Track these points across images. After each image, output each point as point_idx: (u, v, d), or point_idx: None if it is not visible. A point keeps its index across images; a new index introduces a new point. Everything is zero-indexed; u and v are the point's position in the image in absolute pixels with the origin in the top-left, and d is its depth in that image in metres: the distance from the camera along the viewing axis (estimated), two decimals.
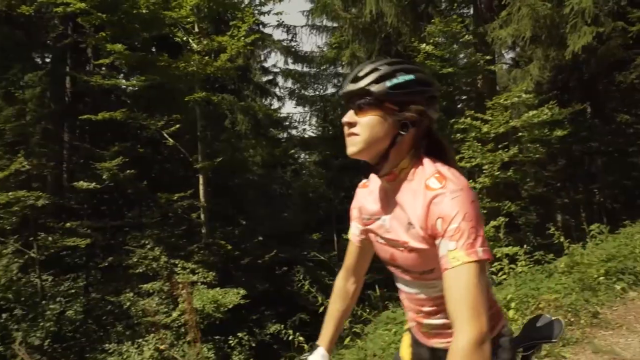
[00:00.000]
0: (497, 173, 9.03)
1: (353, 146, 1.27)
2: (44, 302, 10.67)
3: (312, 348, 1.57)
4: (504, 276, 6.15)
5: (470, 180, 9.56)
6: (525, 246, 7.39)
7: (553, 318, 1.53)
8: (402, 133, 1.26)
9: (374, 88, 1.24)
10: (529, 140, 9.80)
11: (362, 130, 1.26)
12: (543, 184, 16.73)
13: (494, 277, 6.10)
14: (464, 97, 14.81)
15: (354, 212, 1.54)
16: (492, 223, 8.83)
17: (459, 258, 1.13)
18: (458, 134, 9.66)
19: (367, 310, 5.39)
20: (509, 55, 15.03)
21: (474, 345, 1.07)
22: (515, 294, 5.20)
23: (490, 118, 9.04)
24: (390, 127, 1.26)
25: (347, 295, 1.61)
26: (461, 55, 11.34)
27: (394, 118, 1.25)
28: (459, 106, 14.52)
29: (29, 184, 13.09)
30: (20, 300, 10.26)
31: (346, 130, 1.29)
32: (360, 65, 1.32)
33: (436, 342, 1.42)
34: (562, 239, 6.57)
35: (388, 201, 1.36)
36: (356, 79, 1.28)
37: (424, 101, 1.29)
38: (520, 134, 9.73)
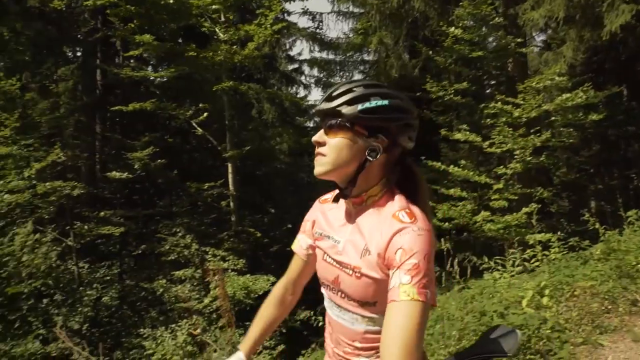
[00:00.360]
0: (529, 158, 8.84)
1: (320, 166, 1.26)
2: (81, 288, 11.04)
3: (232, 352, 1.52)
4: (537, 263, 6.04)
5: (501, 167, 9.39)
6: (559, 233, 7.25)
7: (509, 329, 1.45)
8: (370, 159, 1.23)
9: (345, 110, 1.22)
10: (562, 124, 9.54)
11: (329, 151, 1.24)
12: (576, 169, 16.31)
13: (526, 264, 6.00)
14: (492, 82, 14.52)
15: (306, 224, 1.50)
16: (524, 209, 8.69)
17: (409, 294, 1.09)
18: (488, 119, 9.47)
19: None
20: (540, 38, 14.62)
21: None
22: (549, 280, 5.12)
23: (521, 102, 8.83)
24: (358, 151, 1.23)
25: (283, 304, 1.58)
26: (490, 39, 11.08)
27: (363, 143, 1.23)
28: (487, 91, 14.24)
29: (64, 174, 13.48)
30: (60, 286, 10.62)
31: (316, 149, 1.28)
32: (337, 84, 1.29)
33: None
34: (597, 226, 6.42)
35: (347, 223, 1.32)
36: (330, 98, 1.26)
37: (396, 128, 1.25)
38: (553, 118, 9.48)
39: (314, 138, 1.28)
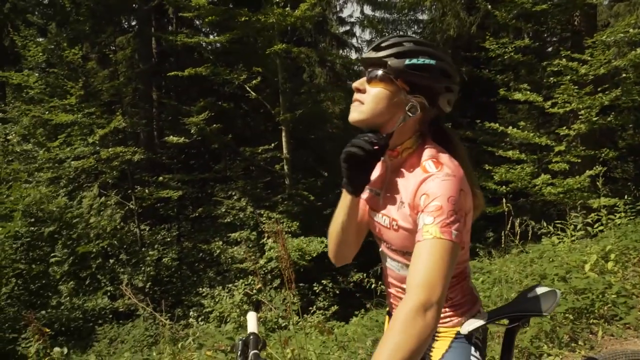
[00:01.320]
0: (595, 119, 8.36)
1: (356, 113, 1.27)
2: (143, 249, 11.63)
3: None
4: (601, 228, 5.79)
5: (564, 127, 8.95)
6: (626, 197, 6.90)
7: (549, 289, 1.41)
8: (409, 114, 1.24)
9: (392, 62, 1.22)
10: (633, 82, 8.90)
11: (368, 100, 1.25)
12: None
13: (588, 228, 5.77)
14: (555, 39, 13.69)
15: None
16: (587, 172, 8.29)
17: (432, 232, 1.12)
18: (551, 78, 8.98)
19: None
20: None
21: (416, 310, 1.03)
22: (615, 245, 4.90)
23: (589, 58, 8.28)
24: (396, 104, 1.24)
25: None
26: None
27: (403, 98, 1.24)
28: (549, 49, 13.47)
29: (125, 141, 14.05)
30: (124, 247, 11.25)
31: (354, 95, 1.28)
32: (387, 36, 1.28)
33: None
34: None
35: (386, 177, 1.35)
36: (378, 48, 1.25)
37: (437, 90, 1.26)
38: (624, 75, 8.86)
39: (355, 84, 1.29)
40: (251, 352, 1.21)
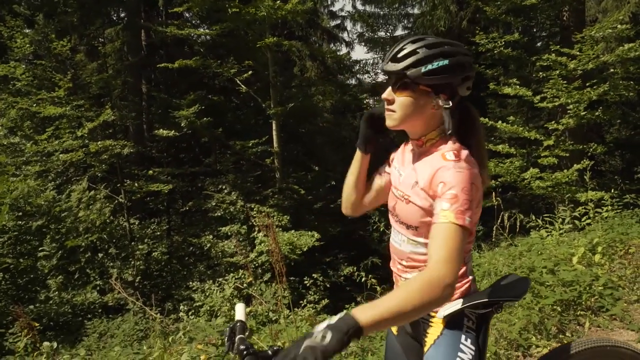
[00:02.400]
0: (583, 113, 8.43)
1: (390, 121, 1.46)
2: (133, 243, 11.55)
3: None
4: (588, 221, 5.86)
5: (553, 122, 9.02)
6: (612, 191, 6.99)
7: (520, 277, 1.53)
8: (434, 109, 1.42)
9: (410, 72, 1.37)
10: (620, 77, 8.98)
11: (397, 108, 1.43)
12: (632, 126, 15.47)
13: (576, 222, 5.84)
14: (544, 34, 13.77)
15: (390, 156, 1.73)
16: (575, 166, 8.38)
17: (448, 217, 1.27)
18: (540, 73, 9.03)
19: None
20: None
21: (437, 281, 1.18)
22: (602, 238, 4.97)
23: (578, 53, 8.34)
24: (422, 107, 1.42)
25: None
26: None
27: (427, 99, 1.41)
28: (538, 44, 13.55)
29: (114, 134, 13.94)
30: (113, 241, 11.17)
31: (385, 104, 1.47)
32: (401, 43, 1.43)
33: None
34: None
35: (410, 161, 1.56)
36: (395, 60, 1.41)
37: (456, 83, 1.41)
38: (612, 70, 8.94)
39: (384, 95, 1.46)
40: (237, 337, 1.33)
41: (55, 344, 3.32)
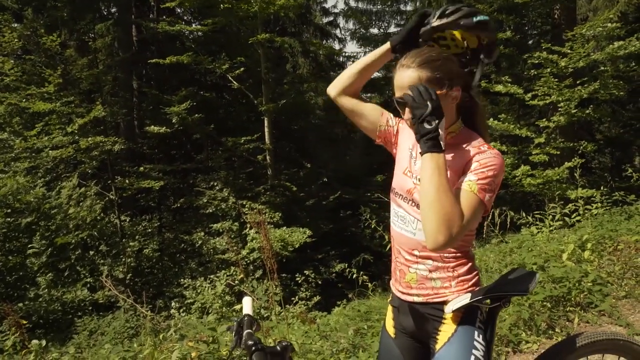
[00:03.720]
0: (574, 111, 8.48)
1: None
2: (124, 240, 11.47)
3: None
4: (578, 218, 5.91)
5: (544, 120, 9.06)
6: (602, 188, 7.04)
7: (528, 271, 1.53)
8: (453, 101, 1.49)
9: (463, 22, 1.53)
10: (610, 75, 9.05)
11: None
12: (621, 124, 15.59)
13: (566, 218, 5.88)
14: (535, 32, 13.82)
15: (394, 120, 1.71)
16: (566, 164, 8.43)
17: (472, 187, 1.38)
18: (532, 70, 9.08)
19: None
20: None
21: (452, 222, 1.30)
22: (592, 234, 5.00)
23: (569, 51, 8.39)
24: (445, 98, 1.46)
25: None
26: None
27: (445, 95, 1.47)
28: (530, 42, 13.60)
29: (105, 130, 13.81)
30: (104, 238, 11.07)
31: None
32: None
33: (415, 295, 1.55)
34: None
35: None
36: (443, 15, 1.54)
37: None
38: (602, 68, 9.00)
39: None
40: (245, 332, 1.32)
41: (44, 342, 3.29)
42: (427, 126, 1.35)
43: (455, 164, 1.47)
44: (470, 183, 1.37)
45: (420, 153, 1.37)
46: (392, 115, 1.72)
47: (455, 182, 1.43)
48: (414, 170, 1.56)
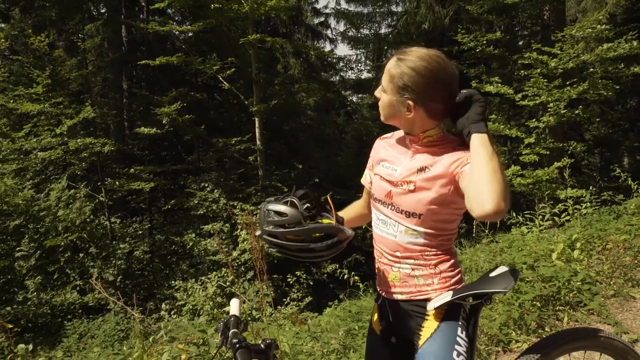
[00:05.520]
0: (564, 111, 8.54)
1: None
2: (114, 242, 11.38)
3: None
4: (567, 217, 5.95)
5: (534, 120, 9.12)
6: (591, 188, 7.09)
7: (510, 268, 1.53)
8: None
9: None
10: (599, 76, 9.13)
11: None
12: (610, 124, 15.75)
13: (556, 218, 5.92)
14: (525, 33, 13.92)
15: (370, 161, 1.76)
16: (556, 164, 8.48)
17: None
18: (522, 71, 9.13)
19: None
20: None
21: (506, 188, 1.31)
22: (581, 234, 5.03)
23: (558, 52, 8.45)
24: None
25: (364, 211, 1.88)
26: None
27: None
28: (520, 43, 13.69)
29: (94, 132, 13.72)
30: (94, 240, 10.98)
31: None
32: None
33: (398, 293, 1.59)
34: (630, 181, 6.27)
35: (404, 152, 1.59)
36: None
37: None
38: (591, 69, 9.07)
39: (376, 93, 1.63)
40: (231, 331, 1.36)
41: (31, 346, 3.24)
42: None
43: (438, 164, 1.48)
44: (466, 169, 1.41)
45: (478, 132, 1.39)
46: (367, 175, 1.78)
47: (445, 184, 1.45)
48: (387, 175, 1.59)
